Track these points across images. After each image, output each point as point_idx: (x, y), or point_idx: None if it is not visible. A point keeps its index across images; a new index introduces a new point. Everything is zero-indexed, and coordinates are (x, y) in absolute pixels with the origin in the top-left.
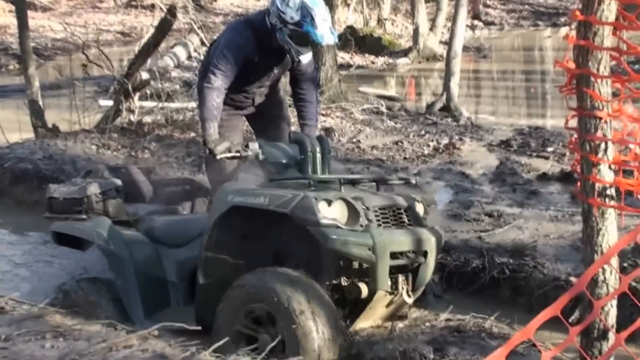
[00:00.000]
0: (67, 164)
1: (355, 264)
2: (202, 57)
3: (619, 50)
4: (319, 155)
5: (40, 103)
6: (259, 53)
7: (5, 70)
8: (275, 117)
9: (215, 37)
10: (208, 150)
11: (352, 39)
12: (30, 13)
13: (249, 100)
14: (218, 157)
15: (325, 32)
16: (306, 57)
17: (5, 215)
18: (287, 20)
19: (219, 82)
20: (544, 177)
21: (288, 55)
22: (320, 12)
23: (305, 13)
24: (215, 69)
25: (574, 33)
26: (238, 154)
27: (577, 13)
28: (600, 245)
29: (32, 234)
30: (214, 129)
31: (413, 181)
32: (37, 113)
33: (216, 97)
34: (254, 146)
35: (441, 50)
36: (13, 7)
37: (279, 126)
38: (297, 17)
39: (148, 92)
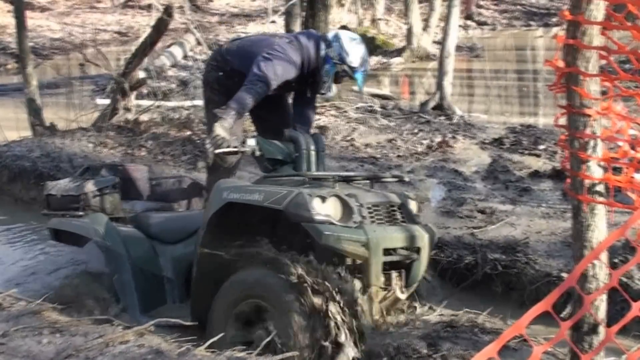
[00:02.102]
0: (64, 162)
1: (349, 260)
2: (198, 57)
3: (607, 49)
4: (313, 153)
5: (38, 102)
6: (297, 77)
7: (4, 69)
8: (279, 123)
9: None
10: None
11: None
12: (28, 13)
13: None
14: (215, 151)
15: (363, 81)
16: (332, 92)
17: (3, 212)
18: (347, 61)
19: (262, 92)
20: (535, 175)
21: (319, 85)
22: (368, 67)
23: (364, 64)
24: (265, 79)
25: (563, 33)
26: (235, 150)
27: (566, 13)
28: (590, 241)
29: (30, 230)
30: (233, 120)
31: (406, 178)
32: (35, 111)
33: (253, 101)
34: (251, 142)
35: (434, 49)
36: (11, 7)
37: (280, 131)
38: (357, 64)
39: (145, 91)
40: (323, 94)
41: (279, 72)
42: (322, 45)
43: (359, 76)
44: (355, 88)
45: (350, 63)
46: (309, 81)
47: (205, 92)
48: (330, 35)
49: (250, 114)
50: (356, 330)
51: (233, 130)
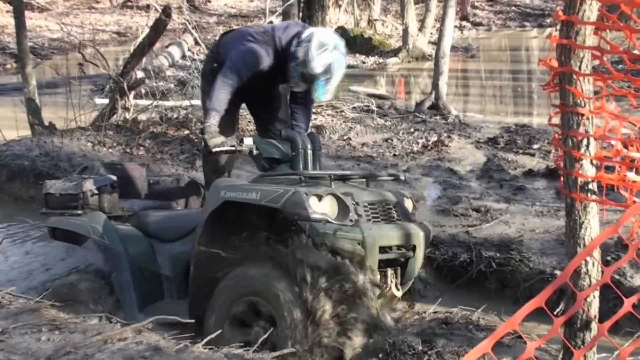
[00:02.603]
0: (63, 161)
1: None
2: (196, 57)
3: (600, 49)
4: (310, 152)
5: (37, 101)
6: (272, 67)
7: (3, 69)
8: (277, 122)
9: (211, 36)
10: (203, 141)
11: (343, 39)
12: (27, 13)
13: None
14: (213, 150)
15: (328, 92)
16: (299, 90)
17: (3, 210)
18: (309, 66)
19: (234, 82)
20: (530, 174)
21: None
22: (337, 78)
23: (327, 72)
24: (235, 68)
25: (557, 33)
26: (233, 148)
27: (560, 13)
28: (583, 238)
29: (29, 229)
30: (216, 121)
31: (402, 177)
32: (34, 111)
33: (227, 93)
34: (249, 141)
35: (430, 50)
36: (11, 7)
37: (277, 130)
38: (318, 71)
39: (143, 90)
40: (293, 88)
41: (248, 60)
42: (294, 42)
43: (318, 85)
44: (352, 87)
45: (312, 70)
46: (283, 75)
47: (202, 83)
48: (305, 33)
49: (250, 113)
50: (361, 322)
51: (225, 128)
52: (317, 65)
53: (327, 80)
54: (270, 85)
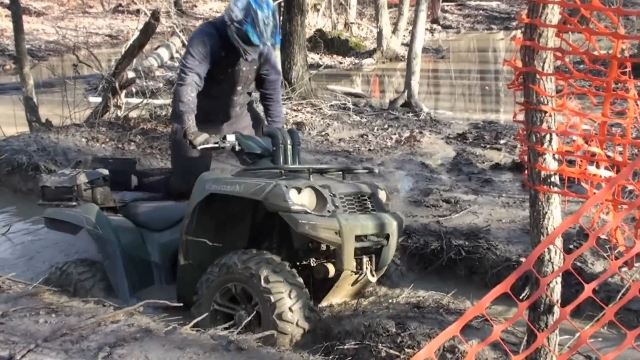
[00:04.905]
0: (59, 156)
1: (323, 246)
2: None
3: (562, 50)
4: (289, 147)
5: (35, 100)
6: (224, 48)
7: (2, 70)
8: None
9: None
10: (188, 141)
11: (321, 41)
12: (25, 17)
13: (223, 110)
14: (198, 147)
15: (263, 33)
16: (252, 56)
17: (2, 202)
18: (233, 18)
19: (190, 78)
20: (496, 167)
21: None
22: (263, 15)
23: (248, 13)
24: (184, 67)
25: (521, 35)
26: (217, 145)
27: (524, 16)
28: (546, 228)
29: (27, 219)
30: (192, 121)
31: (376, 170)
32: (31, 109)
33: (190, 92)
34: (231, 138)
35: (403, 51)
36: (9, 12)
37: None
38: (240, 16)
39: (134, 89)
40: (246, 59)
41: (196, 52)
42: (226, 16)
43: (248, 31)
44: (330, 86)
45: (235, 19)
46: (236, 54)
47: None
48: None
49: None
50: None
51: (207, 124)
52: (237, 11)
53: (253, 22)
54: (240, 86)
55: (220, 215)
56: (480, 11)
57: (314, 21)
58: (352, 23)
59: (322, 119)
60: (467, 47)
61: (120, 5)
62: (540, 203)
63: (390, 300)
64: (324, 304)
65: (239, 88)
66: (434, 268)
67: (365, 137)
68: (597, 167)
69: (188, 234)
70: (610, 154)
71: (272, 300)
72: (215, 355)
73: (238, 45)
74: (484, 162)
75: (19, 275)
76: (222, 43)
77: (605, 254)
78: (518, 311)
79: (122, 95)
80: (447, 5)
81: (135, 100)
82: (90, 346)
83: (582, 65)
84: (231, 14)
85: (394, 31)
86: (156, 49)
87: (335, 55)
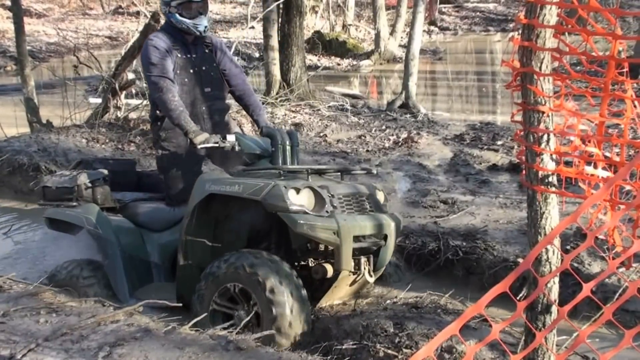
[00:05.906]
0: (59, 156)
1: (322, 247)
2: None
3: (559, 51)
4: (288, 148)
5: (35, 101)
6: (179, 47)
7: (4, 71)
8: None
9: None
10: (189, 140)
11: (319, 43)
12: (26, 19)
13: (201, 118)
14: (198, 146)
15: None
16: (203, 25)
17: (4, 202)
18: (168, 1)
19: (163, 83)
20: (494, 168)
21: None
22: None
23: None
24: (151, 77)
25: (519, 36)
26: (217, 145)
27: (522, 17)
28: (544, 228)
29: (28, 219)
30: (189, 120)
31: (374, 171)
32: (32, 110)
33: (172, 97)
34: (231, 138)
35: (400, 53)
36: (10, 14)
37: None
38: None
39: (134, 90)
40: (200, 33)
41: (154, 59)
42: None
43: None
44: (328, 88)
45: None
46: (202, 50)
47: None
48: None
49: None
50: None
51: (210, 124)
52: None
53: None
54: (210, 87)
55: (220, 216)
56: (478, 13)
57: (312, 23)
58: (350, 25)
59: (320, 120)
60: (465, 48)
61: (120, 7)
62: (537, 203)
63: (388, 301)
64: (322, 304)
65: (208, 89)
66: (432, 268)
67: (363, 138)
68: (595, 167)
69: (187, 234)
70: (607, 154)
71: (272, 300)
72: (214, 355)
73: (187, 26)
74: (481, 163)
75: (20, 275)
76: (171, 40)
77: (603, 254)
78: (516, 311)
79: (122, 96)
80: (445, 7)
81: (135, 102)
82: (90, 346)
83: (579, 67)
84: None
85: (392, 33)
86: None
87: (333, 57)
